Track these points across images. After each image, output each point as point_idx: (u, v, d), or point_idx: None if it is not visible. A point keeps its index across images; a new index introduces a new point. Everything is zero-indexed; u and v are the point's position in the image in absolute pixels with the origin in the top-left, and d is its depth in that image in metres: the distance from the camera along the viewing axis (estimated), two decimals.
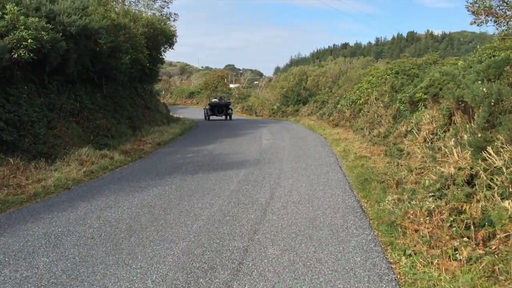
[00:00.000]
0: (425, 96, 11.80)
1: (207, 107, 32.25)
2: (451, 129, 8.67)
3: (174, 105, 55.60)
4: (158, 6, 22.80)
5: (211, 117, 30.98)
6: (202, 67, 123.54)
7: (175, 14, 23.76)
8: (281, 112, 34.13)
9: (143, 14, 19.88)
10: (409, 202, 6.75)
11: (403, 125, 11.83)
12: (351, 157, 11.78)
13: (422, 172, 8.46)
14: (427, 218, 5.91)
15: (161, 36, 20.49)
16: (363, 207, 7.18)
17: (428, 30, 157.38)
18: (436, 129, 9.22)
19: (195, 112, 42.06)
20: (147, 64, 18.73)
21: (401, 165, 9.43)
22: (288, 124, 25.27)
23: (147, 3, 22.16)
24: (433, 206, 6.16)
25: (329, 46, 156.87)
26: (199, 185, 9.02)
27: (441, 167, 7.58)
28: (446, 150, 7.94)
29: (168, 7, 23.27)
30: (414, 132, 10.37)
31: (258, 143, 15.88)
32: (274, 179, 9.47)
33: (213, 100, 33.87)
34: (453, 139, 7.89)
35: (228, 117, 31.40)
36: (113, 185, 9.18)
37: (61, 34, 12.46)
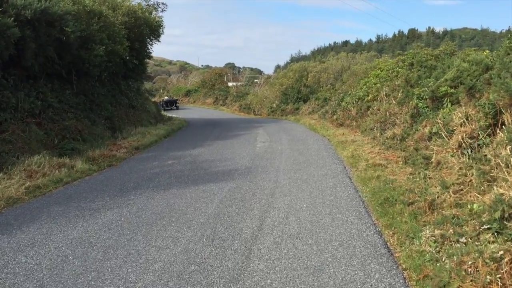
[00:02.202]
0: (452, 90, 9.68)
1: (162, 102, 42.77)
2: (500, 132, 6.55)
3: None
4: None
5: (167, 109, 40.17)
6: (202, 65, 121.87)
7: (163, 4, 21.63)
8: (280, 111, 31.98)
9: (124, 2, 17.65)
10: (458, 241, 4.67)
11: (425, 126, 9.69)
12: (362, 164, 9.67)
13: (462, 190, 6.37)
14: (497, 274, 3.83)
15: (144, 26, 18.30)
16: (389, 245, 5.06)
17: (429, 27, 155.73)
18: (477, 132, 7.10)
19: (190, 111, 40.06)
20: (127, 57, 16.55)
21: (429, 178, 7.33)
22: (287, 124, 23.13)
23: None
24: (500, 252, 4.09)
25: (329, 44, 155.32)
26: (168, 206, 6.92)
27: (496, 185, 5.49)
28: (500, 161, 5.83)
29: None
30: (443, 135, 8.24)
31: (251, 147, 13.76)
32: (266, 197, 7.36)
33: (165, 98, 47.11)
34: (510, 146, 5.78)
35: (176, 107, 43.60)
36: (57, 206, 7.07)
37: (13, 19, 10.37)
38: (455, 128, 7.93)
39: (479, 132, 6.98)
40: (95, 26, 14.26)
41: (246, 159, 11.37)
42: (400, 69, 15.15)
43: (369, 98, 16.07)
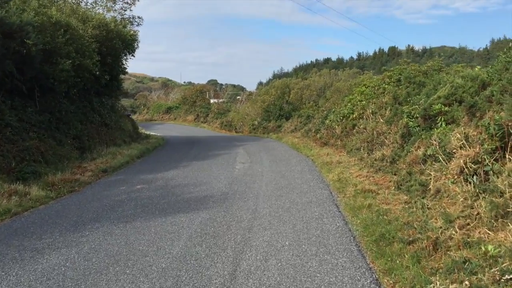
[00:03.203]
0: (446, 108, 8.89)
1: None
2: (511, 157, 5.70)
3: (151, 121, 53.11)
4: (119, 7, 19.62)
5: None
6: (184, 82, 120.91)
7: (139, 17, 20.69)
8: (262, 128, 31.09)
9: (95, 15, 16.64)
10: None
11: (418, 147, 8.85)
12: (350, 190, 8.76)
13: (469, 225, 5.48)
14: None
15: (116, 40, 17.28)
16: None
17: (408, 45, 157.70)
18: (481, 156, 6.24)
19: (171, 128, 38.92)
20: (97, 72, 15.47)
21: (428, 208, 6.43)
22: (269, 142, 22.21)
23: (105, 4, 18.98)
24: None
25: (311, 61, 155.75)
26: (127, 245, 5.87)
27: None
28: None
29: (131, 10, 19.92)
30: (440, 158, 7.38)
31: (230, 169, 12.76)
32: (243, 232, 6.36)
33: None
34: None
35: None
36: None
37: None
38: (454, 150, 7.08)
39: (485, 157, 6.12)
40: (61, 38, 13.19)
41: (223, 183, 10.37)
42: (386, 86, 14.43)
43: (354, 116, 15.27)
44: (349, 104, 16.56)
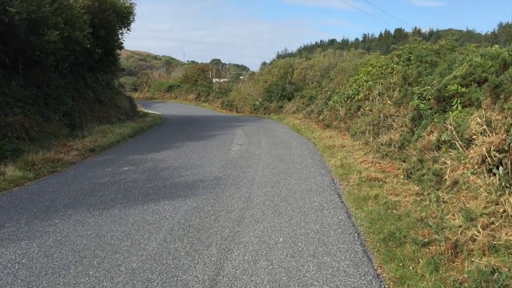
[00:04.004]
0: (464, 89, 8.03)
1: None
2: None
3: (151, 99, 52.22)
4: None
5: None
6: (187, 61, 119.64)
7: None
8: (263, 109, 30.22)
9: None
10: None
11: (431, 132, 8.02)
12: (354, 177, 7.97)
13: (493, 223, 4.70)
14: None
15: (110, 12, 16.32)
16: None
17: (415, 27, 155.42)
18: (508, 144, 5.41)
19: (171, 107, 38.02)
20: (88, 45, 14.57)
21: (444, 202, 5.64)
22: (269, 123, 21.36)
23: None
24: None
25: (316, 42, 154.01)
26: (98, 237, 5.11)
27: None
28: None
29: None
30: (457, 144, 6.56)
31: (226, 151, 11.96)
32: (232, 225, 5.59)
33: None
34: None
35: None
36: None
37: None
38: (474, 137, 6.26)
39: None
40: (48, 7, 12.28)
41: (217, 167, 9.59)
42: (395, 65, 13.51)
43: (359, 97, 14.39)
44: (354, 84, 15.66)
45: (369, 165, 8.85)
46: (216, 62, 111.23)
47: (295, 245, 4.85)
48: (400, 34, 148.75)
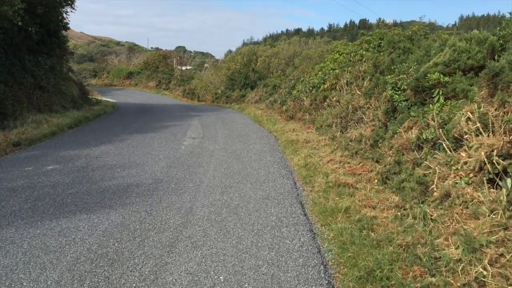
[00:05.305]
0: (446, 79, 6.88)
1: None
2: None
3: (110, 86, 50.05)
4: None
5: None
6: (151, 48, 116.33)
7: None
8: (225, 97, 28.76)
9: None
10: None
11: (409, 128, 6.86)
12: (320, 181, 6.72)
13: (503, 256, 3.54)
14: None
15: None
16: None
17: (379, 18, 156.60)
18: (510, 147, 4.25)
19: (129, 94, 36.08)
20: (19, 23, 12.74)
21: (432, 221, 4.46)
22: (229, 114, 19.96)
23: None
24: None
25: (282, 31, 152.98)
26: None
27: None
28: None
29: None
30: (445, 146, 5.39)
31: (175, 145, 10.53)
32: (160, 253, 4.23)
33: None
34: None
35: None
36: None
37: None
38: (466, 136, 5.09)
39: None
40: None
41: (160, 166, 8.18)
42: (365, 52, 12.35)
43: (325, 86, 13.19)
44: (320, 73, 14.46)
45: (337, 165, 7.63)
46: (181, 49, 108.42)
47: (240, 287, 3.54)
48: (364, 25, 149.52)
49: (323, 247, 4.40)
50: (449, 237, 4.03)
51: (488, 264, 3.43)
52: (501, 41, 7.17)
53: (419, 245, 3.97)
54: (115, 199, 6.01)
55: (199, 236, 4.65)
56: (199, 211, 5.51)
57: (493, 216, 3.84)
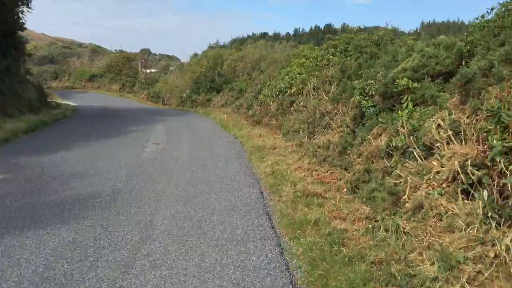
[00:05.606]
0: (415, 84, 6.76)
1: None
2: None
3: (72, 89, 48.87)
4: None
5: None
6: (115, 50, 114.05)
7: None
8: (190, 101, 28.27)
9: None
10: None
11: (379, 135, 6.70)
12: (288, 191, 6.47)
13: (481, 273, 3.36)
14: None
15: None
16: None
17: (344, 23, 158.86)
18: (491, 158, 4.10)
19: (91, 98, 35.10)
20: None
21: (405, 233, 4.27)
22: (195, 118, 19.55)
23: None
24: None
25: (248, 35, 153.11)
26: None
27: None
28: None
29: None
30: (416, 154, 5.22)
31: (138, 152, 10.10)
32: (114, 275, 3.86)
33: None
34: None
35: None
36: None
37: None
38: (437, 145, 4.94)
39: (497, 158, 3.98)
40: None
41: (121, 174, 7.77)
42: (332, 57, 12.22)
43: (292, 91, 12.99)
44: (286, 77, 14.26)
45: (305, 173, 7.40)
46: (145, 52, 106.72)
47: None
48: (329, 30, 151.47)
49: (291, 264, 4.13)
50: (424, 251, 3.84)
51: (466, 282, 3.24)
52: (468, 47, 7.11)
53: (393, 261, 3.75)
54: (69, 212, 5.58)
55: (159, 254, 4.31)
56: (160, 225, 5.16)
57: (470, 231, 3.66)
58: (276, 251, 4.43)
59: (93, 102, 29.80)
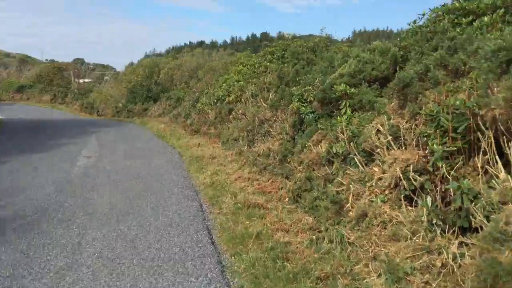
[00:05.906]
0: (353, 90, 6.72)
1: None
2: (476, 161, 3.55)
3: None
4: None
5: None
6: (46, 60, 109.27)
7: None
8: (126, 111, 27.37)
9: None
10: None
11: (318, 142, 6.59)
12: (228, 202, 6.21)
13: (429, 284, 3.24)
14: None
15: None
16: None
17: (280, 32, 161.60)
18: (432, 163, 4.03)
19: (20, 110, 33.10)
20: None
21: (350, 244, 4.12)
22: (130, 129, 18.86)
23: None
24: None
25: (185, 43, 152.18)
26: None
27: None
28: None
29: None
30: (357, 161, 5.13)
31: (68, 166, 9.46)
32: None
33: None
34: None
35: None
36: None
37: None
38: (378, 151, 4.86)
39: (438, 163, 3.92)
40: None
41: (48, 191, 7.18)
42: (269, 63, 12.13)
43: (230, 98, 12.77)
44: (224, 84, 14.02)
45: (245, 183, 7.17)
46: (78, 61, 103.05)
47: None
48: (266, 38, 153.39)
49: (233, 283, 3.87)
50: (370, 262, 3.71)
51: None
52: (402, 52, 7.19)
53: (339, 275, 3.58)
54: None
55: (86, 281, 3.89)
56: (89, 247, 4.73)
57: (416, 239, 3.55)
58: (216, 269, 4.14)
59: (22, 114, 28.12)
